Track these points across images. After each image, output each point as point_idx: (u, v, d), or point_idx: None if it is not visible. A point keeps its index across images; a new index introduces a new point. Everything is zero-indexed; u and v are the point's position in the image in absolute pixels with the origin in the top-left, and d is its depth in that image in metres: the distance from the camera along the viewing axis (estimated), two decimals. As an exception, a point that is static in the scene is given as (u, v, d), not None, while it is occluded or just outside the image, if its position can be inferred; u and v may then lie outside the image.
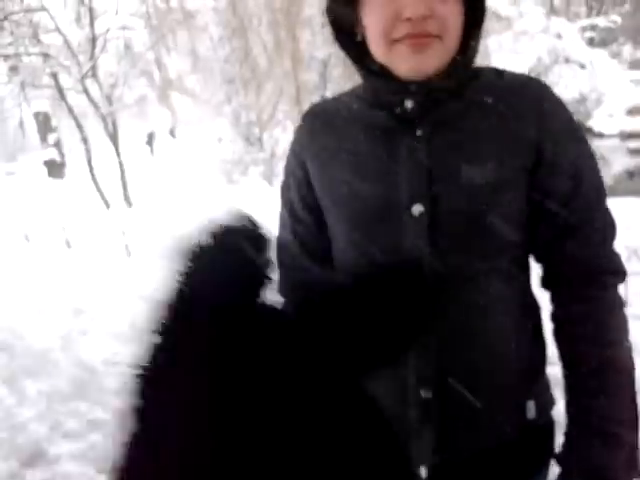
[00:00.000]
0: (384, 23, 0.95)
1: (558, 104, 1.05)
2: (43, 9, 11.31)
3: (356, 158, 1.04)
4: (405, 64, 0.96)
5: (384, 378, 1.04)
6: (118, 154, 13.24)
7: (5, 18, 10.37)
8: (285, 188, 1.17)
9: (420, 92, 0.98)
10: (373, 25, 0.97)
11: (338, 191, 1.05)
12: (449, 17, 0.95)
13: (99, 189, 13.24)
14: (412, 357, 1.01)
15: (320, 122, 1.10)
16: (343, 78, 11.88)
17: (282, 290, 1.20)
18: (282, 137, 12.67)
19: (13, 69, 11.55)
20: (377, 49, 0.99)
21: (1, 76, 11.49)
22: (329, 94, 12.04)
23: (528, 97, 1.02)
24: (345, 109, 1.08)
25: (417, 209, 0.98)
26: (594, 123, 14.66)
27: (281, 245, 1.19)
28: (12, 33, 10.93)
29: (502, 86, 1.04)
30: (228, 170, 12.48)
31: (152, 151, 22.96)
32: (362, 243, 1.03)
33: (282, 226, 1.18)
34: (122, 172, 13.30)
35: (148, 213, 11.18)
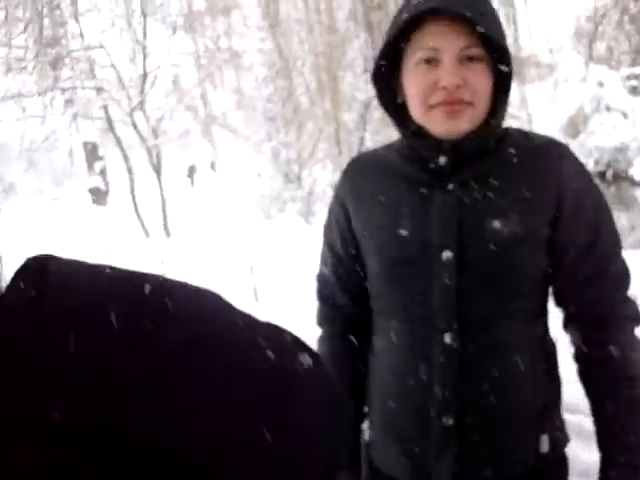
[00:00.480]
0: (423, 90, 1.09)
1: (577, 163, 1.16)
2: (101, 46, 11.96)
3: (393, 207, 1.16)
4: (440, 127, 1.09)
5: (407, 402, 1.15)
6: (160, 185, 13.66)
7: (67, 55, 11.01)
8: (328, 229, 1.29)
9: (452, 150, 1.11)
10: (413, 91, 1.11)
11: (376, 235, 1.18)
12: (480, 86, 1.08)
13: (140, 218, 13.63)
14: (436, 385, 1.11)
15: (362, 172, 1.23)
16: (382, 120, 12.12)
17: (320, 321, 1.32)
18: (321, 175, 12.90)
19: (68, 102, 12.15)
20: (416, 112, 1.12)
21: (57, 107, 12.08)
22: (368, 135, 12.26)
23: (550, 157, 1.14)
24: (384, 162, 1.22)
25: (446, 255, 1.10)
26: (635, 172, 14.48)
27: (322, 280, 1.31)
28: (72, 68, 11.58)
29: (527, 146, 1.16)
30: (266, 206, 12.74)
31: (192, 183, 23.54)
32: (396, 284, 1.15)
33: (323, 263, 1.30)
34: (163, 202, 13.69)
35: (186, 243, 11.44)
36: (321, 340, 1.32)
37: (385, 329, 1.20)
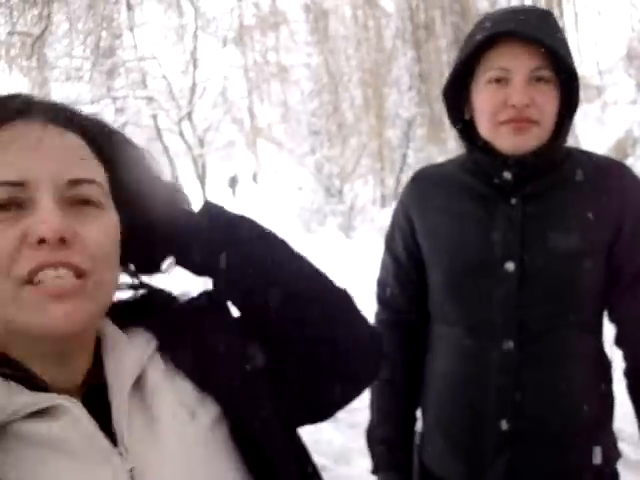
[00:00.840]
0: (492, 107, 1.14)
1: (638, 184, 1.19)
2: (154, 58, 12.37)
3: (458, 219, 1.21)
4: (507, 143, 1.14)
5: (464, 407, 1.19)
6: (204, 194, 13.91)
7: (122, 65, 11.43)
8: (390, 237, 1.35)
9: (517, 166, 1.16)
10: (483, 108, 1.16)
11: (440, 246, 1.23)
12: (547, 106, 1.13)
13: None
14: (493, 390, 1.15)
15: (428, 184, 1.29)
16: (425, 138, 12.14)
17: (378, 325, 1.37)
18: (362, 190, 12.96)
19: (120, 110, 12.53)
20: (484, 128, 1.17)
21: (108, 115, 12.47)
22: (411, 152, 12.29)
23: (612, 176, 1.18)
24: (450, 175, 1.27)
25: (509, 266, 1.15)
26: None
27: (382, 285, 1.36)
28: (126, 78, 12.01)
29: (589, 165, 1.20)
30: (306, 219, 12.84)
31: (234, 193, 23.90)
32: (458, 292, 1.20)
33: (384, 269, 1.36)
34: (206, 211, 13.91)
35: (227, 252, 11.56)
36: None
37: (444, 335, 1.24)
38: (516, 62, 1.11)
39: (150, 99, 12.90)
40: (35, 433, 0.58)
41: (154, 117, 13.54)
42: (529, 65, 1.11)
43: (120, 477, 0.59)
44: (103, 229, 0.62)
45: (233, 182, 24.50)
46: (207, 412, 0.66)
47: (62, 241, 0.57)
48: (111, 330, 0.68)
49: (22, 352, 0.61)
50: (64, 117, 0.65)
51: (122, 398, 0.63)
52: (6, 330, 0.59)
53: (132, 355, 0.66)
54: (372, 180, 12.93)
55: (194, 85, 13.09)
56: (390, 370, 1.33)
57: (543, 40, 1.09)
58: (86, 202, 0.62)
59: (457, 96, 1.23)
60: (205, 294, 0.75)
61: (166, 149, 13.88)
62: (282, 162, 16.43)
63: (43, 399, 0.59)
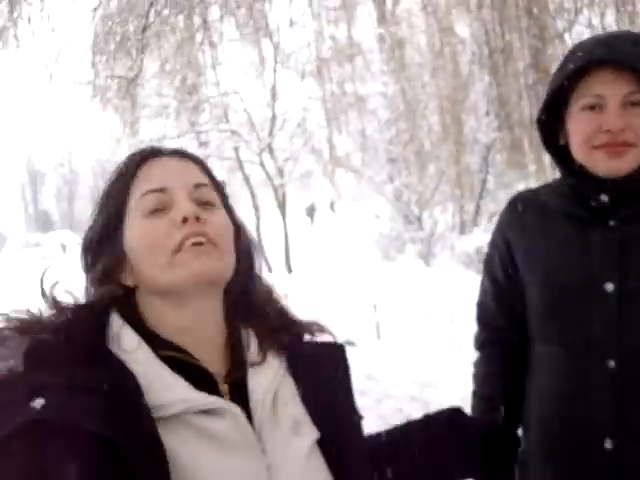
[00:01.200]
0: (587, 133, 1.18)
1: None
2: (235, 93, 12.91)
3: (554, 239, 1.25)
4: (603, 167, 1.18)
5: (568, 425, 1.21)
6: (285, 223, 14.21)
7: (206, 101, 12.02)
8: (489, 260, 1.40)
9: (614, 189, 1.19)
10: (578, 133, 1.20)
11: (538, 267, 1.27)
12: None
13: (263, 254, 14.19)
14: (597, 409, 1.16)
15: (525, 207, 1.33)
16: (505, 163, 11.93)
17: (479, 345, 1.41)
18: (441, 217, 12.85)
19: (203, 144, 13.08)
20: (579, 153, 1.21)
21: (192, 149, 13.04)
22: (491, 177, 12.11)
23: None
24: (545, 199, 1.31)
25: (609, 287, 1.17)
26: None
27: (482, 307, 1.41)
28: (210, 113, 12.58)
29: None
30: (385, 246, 12.83)
31: (312, 222, 24.26)
32: (557, 312, 1.23)
33: (483, 292, 1.40)
34: (286, 240, 14.21)
35: (308, 280, 11.74)
36: (480, 362, 1.41)
37: (543, 353, 1.27)
38: (609, 89, 1.15)
39: (232, 132, 13.41)
40: (206, 426, 0.71)
41: (236, 149, 14.03)
42: (622, 91, 1.14)
43: (261, 471, 0.72)
44: (221, 219, 0.83)
45: (311, 211, 24.90)
46: (310, 434, 0.81)
47: (197, 219, 0.79)
48: (252, 342, 0.85)
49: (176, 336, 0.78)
50: (182, 153, 0.88)
51: (265, 408, 0.78)
52: (163, 295, 0.78)
53: (269, 372, 0.82)
54: (451, 207, 12.81)
55: (274, 117, 13.51)
56: (492, 388, 1.37)
57: (635, 65, 1.12)
58: (207, 203, 0.83)
59: (551, 122, 1.27)
60: (341, 347, 0.93)
61: (247, 179, 14.32)
62: (360, 190, 16.57)
63: (212, 400, 0.73)
